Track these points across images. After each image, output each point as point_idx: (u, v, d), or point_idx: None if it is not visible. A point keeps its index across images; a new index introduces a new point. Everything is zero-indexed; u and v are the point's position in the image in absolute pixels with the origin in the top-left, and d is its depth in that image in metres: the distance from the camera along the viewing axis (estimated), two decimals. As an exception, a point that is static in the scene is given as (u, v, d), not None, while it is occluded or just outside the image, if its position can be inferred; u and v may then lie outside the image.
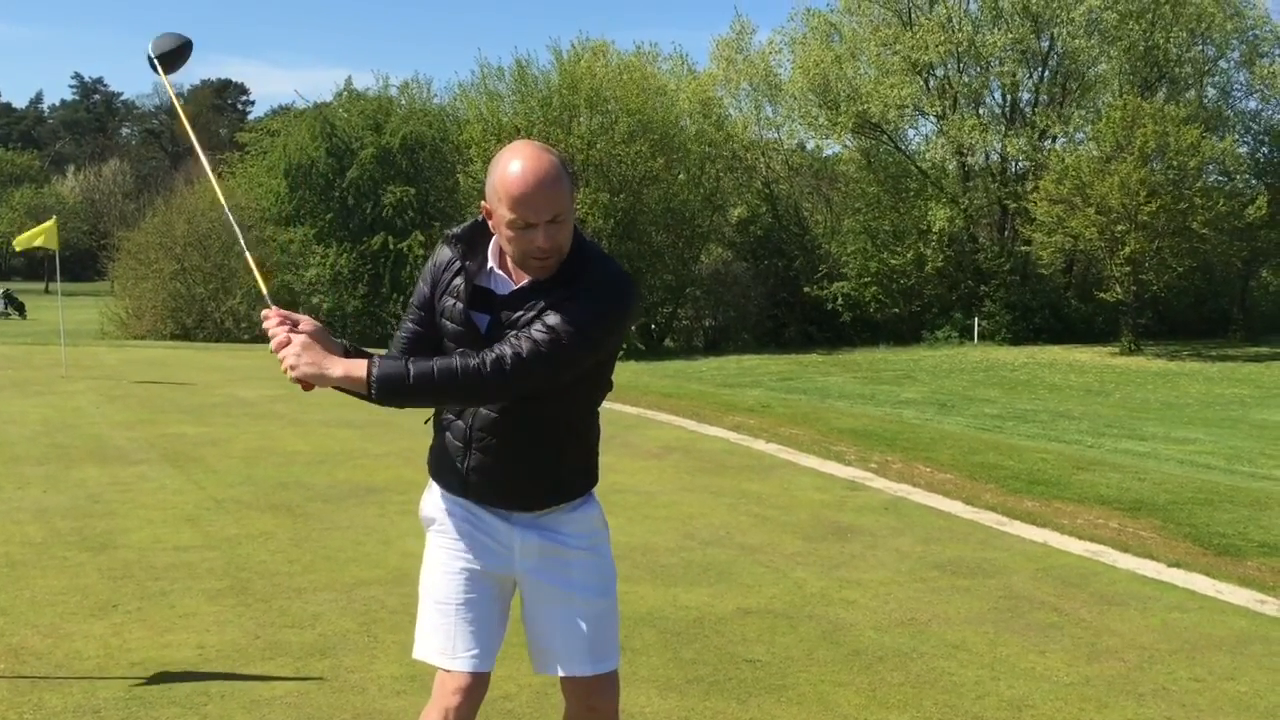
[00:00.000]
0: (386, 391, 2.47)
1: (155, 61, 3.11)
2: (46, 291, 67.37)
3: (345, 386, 2.50)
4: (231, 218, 3.15)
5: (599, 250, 2.66)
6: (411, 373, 2.47)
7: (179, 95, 3.28)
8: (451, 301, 2.64)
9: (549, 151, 2.53)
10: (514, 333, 2.52)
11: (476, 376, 2.46)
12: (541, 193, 2.45)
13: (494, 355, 2.47)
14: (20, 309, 45.36)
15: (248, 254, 2.97)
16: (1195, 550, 6.39)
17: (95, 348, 22.29)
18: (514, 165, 2.47)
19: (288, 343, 2.51)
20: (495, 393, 2.51)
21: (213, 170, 3.18)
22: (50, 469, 8.28)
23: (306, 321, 2.57)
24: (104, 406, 11.97)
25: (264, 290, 2.79)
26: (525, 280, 2.59)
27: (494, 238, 2.63)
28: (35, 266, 76.88)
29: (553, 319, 2.49)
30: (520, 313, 2.56)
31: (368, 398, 2.49)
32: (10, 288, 50.49)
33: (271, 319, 2.57)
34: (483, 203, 2.59)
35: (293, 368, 2.49)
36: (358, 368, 2.48)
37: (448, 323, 2.64)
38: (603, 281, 2.56)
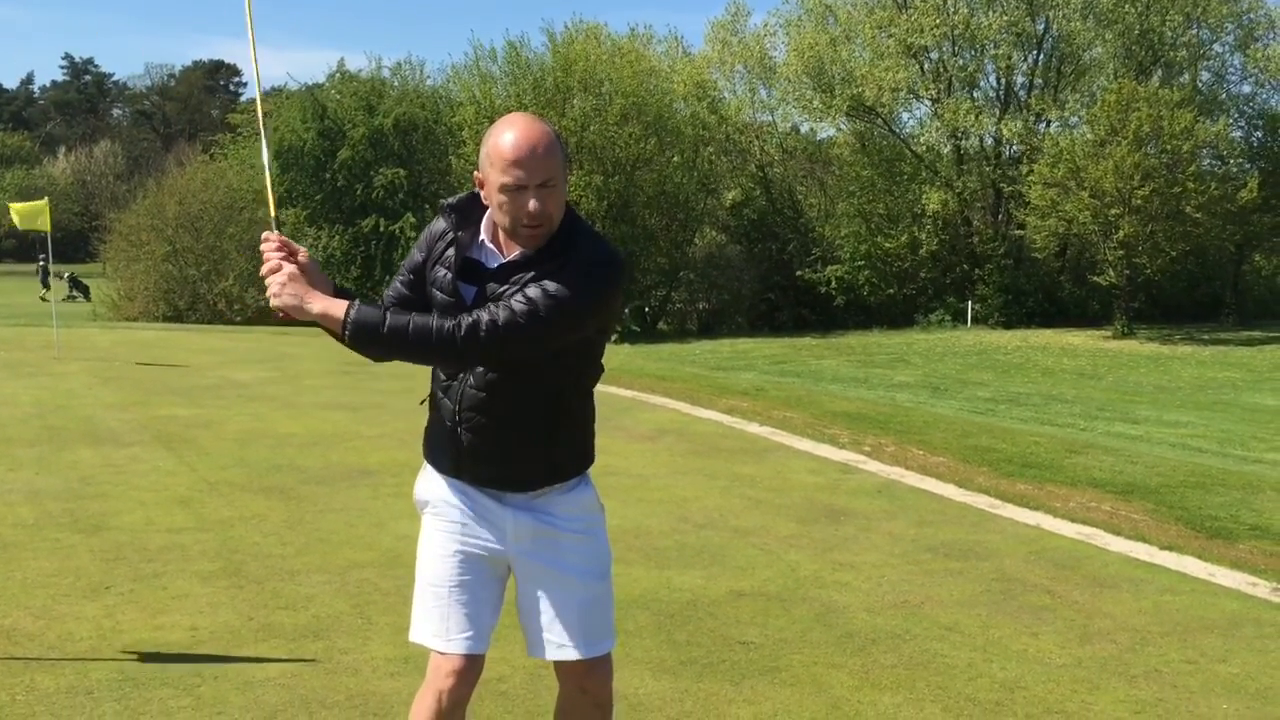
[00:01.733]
0: (359, 337, 2.50)
1: None
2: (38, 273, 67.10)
3: (322, 323, 2.53)
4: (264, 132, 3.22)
5: (590, 228, 2.65)
6: (387, 322, 2.49)
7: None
8: (443, 272, 2.64)
9: (543, 121, 2.56)
10: (493, 301, 2.52)
11: (450, 339, 2.47)
12: (534, 155, 2.47)
13: (470, 320, 2.48)
14: (85, 291, 44.37)
15: (268, 173, 3.12)
16: (1187, 533, 6.41)
17: (87, 329, 22.21)
18: (508, 130, 2.51)
19: (278, 269, 2.56)
20: (467, 357, 2.52)
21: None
22: (42, 451, 8.26)
23: (303, 253, 2.62)
24: (96, 388, 11.93)
25: (271, 212, 2.86)
26: (514, 253, 2.58)
27: (488, 211, 2.63)
28: (27, 248, 76.54)
29: (533, 290, 2.49)
30: (506, 286, 2.55)
31: (340, 339, 2.52)
32: (75, 271, 48.92)
33: (271, 242, 2.61)
34: (476, 173, 2.59)
35: (275, 295, 2.53)
36: (336, 307, 2.51)
37: (437, 292, 2.64)
38: (590, 258, 2.55)
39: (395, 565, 5.31)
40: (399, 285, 2.74)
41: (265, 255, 2.59)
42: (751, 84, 42.09)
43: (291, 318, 2.57)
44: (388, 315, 2.50)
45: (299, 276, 2.56)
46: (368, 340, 2.50)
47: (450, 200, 2.69)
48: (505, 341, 2.47)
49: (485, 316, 2.48)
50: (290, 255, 2.60)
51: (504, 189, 2.49)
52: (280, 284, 2.54)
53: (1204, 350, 29.38)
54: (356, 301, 2.52)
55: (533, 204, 2.48)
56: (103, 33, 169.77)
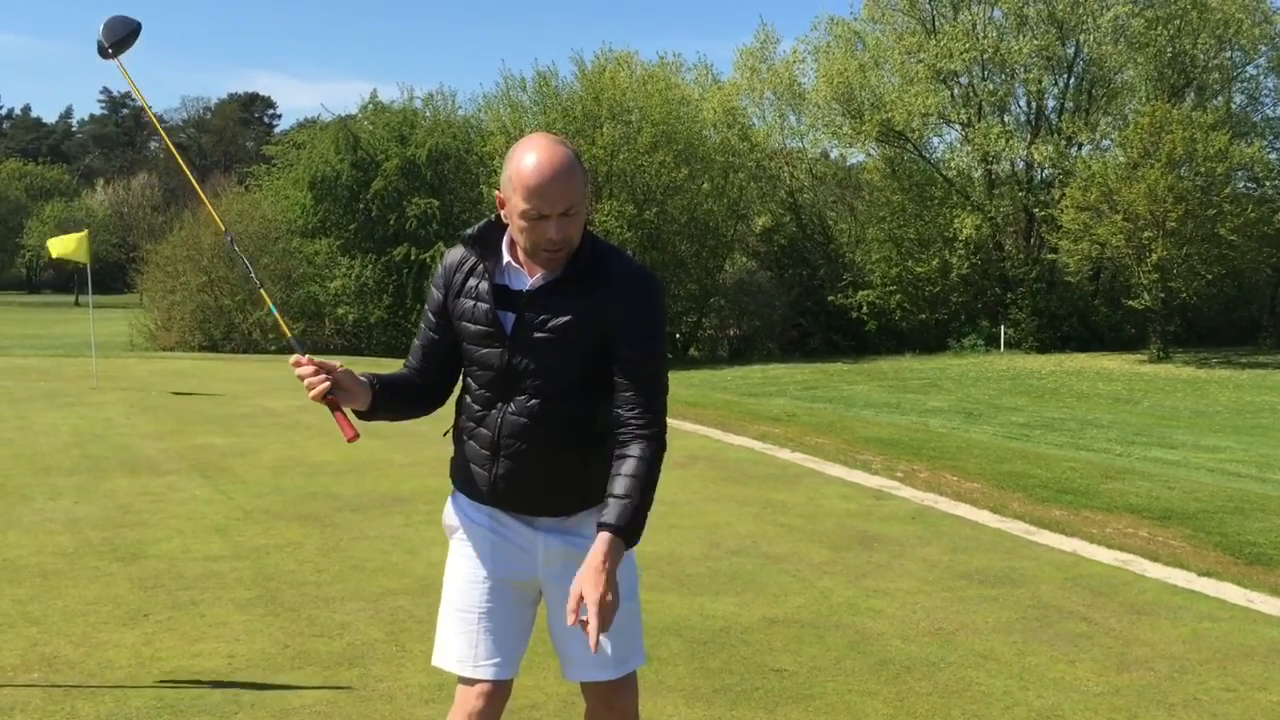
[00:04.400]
0: (640, 530, 2.54)
1: (108, 47, 3.14)
2: (77, 304, 68.07)
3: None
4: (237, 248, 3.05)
5: (611, 245, 2.69)
6: (640, 499, 2.52)
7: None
8: (471, 303, 2.64)
9: (563, 144, 2.57)
10: (629, 383, 2.57)
11: (659, 444, 2.58)
12: (556, 186, 2.49)
13: (643, 416, 2.56)
14: None
15: (267, 298, 2.93)
16: (1226, 559, 6.33)
17: (125, 359, 22.47)
18: (529, 157, 2.51)
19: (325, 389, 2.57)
20: (665, 446, 2.61)
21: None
22: (81, 479, 8.36)
23: (339, 367, 2.60)
24: (134, 417, 12.07)
25: (287, 332, 2.77)
26: (540, 274, 2.60)
27: (505, 232, 2.65)
28: (66, 279, 77.71)
29: (642, 360, 2.58)
30: (546, 315, 2.57)
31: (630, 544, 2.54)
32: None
33: (304, 365, 2.59)
34: (497, 192, 2.61)
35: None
36: (616, 545, 2.48)
37: (469, 324, 2.64)
38: (635, 285, 2.60)
39: (429, 592, 5.33)
40: (427, 332, 2.73)
41: (306, 381, 2.56)
42: (781, 110, 42.28)
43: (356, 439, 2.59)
44: (629, 498, 2.50)
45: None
46: (642, 523, 2.53)
47: (469, 231, 2.70)
48: (664, 404, 2.64)
49: (642, 406, 2.56)
50: (328, 374, 2.57)
51: (525, 216, 2.51)
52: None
53: (1242, 374, 29.06)
54: (616, 527, 2.49)
55: (554, 231, 2.51)
56: (139, 67, 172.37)
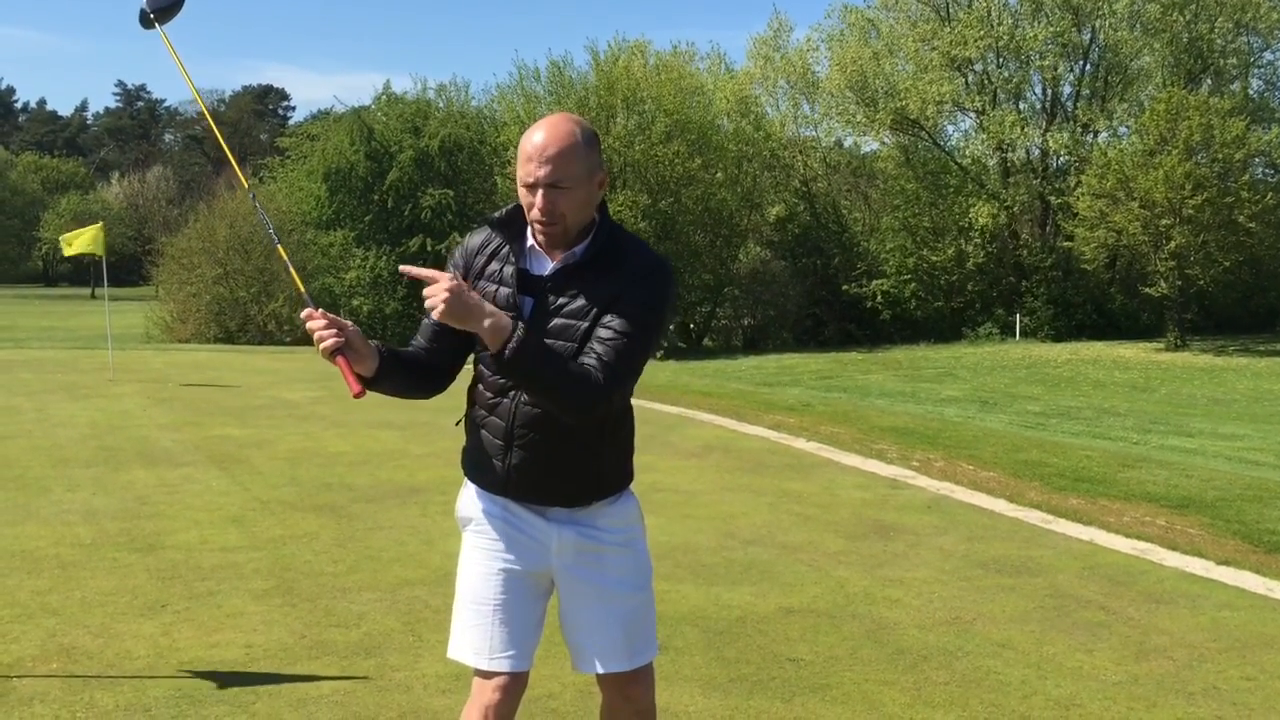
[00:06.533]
0: (524, 352, 2.39)
1: (150, 14, 3.08)
2: (93, 297, 68.38)
3: (485, 334, 2.39)
4: (261, 210, 3.04)
5: (630, 233, 2.68)
6: (547, 348, 2.44)
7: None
8: (492, 287, 2.62)
9: (575, 121, 2.56)
10: (589, 347, 2.49)
11: (597, 382, 2.46)
12: (544, 156, 2.49)
13: (595, 367, 2.46)
14: None
15: (281, 250, 2.89)
16: (1244, 548, 6.30)
17: (141, 351, 22.57)
18: (536, 128, 2.54)
19: (336, 334, 2.49)
20: (599, 404, 2.49)
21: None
22: (99, 471, 8.40)
23: (350, 327, 2.56)
24: (150, 409, 12.12)
25: (301, 288, 2.75)
26: (559, 259, 2.59)
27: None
28: (82, 272, 78.05)
29: (617, 323, 2.50)
30: (563, 299, 2.56)
31: (500, 353, 2.39)
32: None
33: (317, 319, 2.52)
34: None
35: (437, 308, 2.36)
36: (505, 319, 2.40)
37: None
38: (645, 268, 2.58)
39: (445, 583, 5.34)
40: None
41: (316, 334, 2.50)
42: (794, 99, 42.09)
43: (364, 394, 2.51)
44: (551, 355, 2.44)
45: (460, 289, 2.40)
46: (531, 359, 2.40)
47: (495, 215, 2.69)
48: (624, 379, 2.52)
49: (597, 363, 2.46)
50: (340, 330, 2.51)
51: (521, 183, 2.55)
52: (444, 299, 2.37)
53: (1260, 361, 28.87)
54: (520, 324, 2.43)
55: (539, 200, 2.51)
56: (154, 60, 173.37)
